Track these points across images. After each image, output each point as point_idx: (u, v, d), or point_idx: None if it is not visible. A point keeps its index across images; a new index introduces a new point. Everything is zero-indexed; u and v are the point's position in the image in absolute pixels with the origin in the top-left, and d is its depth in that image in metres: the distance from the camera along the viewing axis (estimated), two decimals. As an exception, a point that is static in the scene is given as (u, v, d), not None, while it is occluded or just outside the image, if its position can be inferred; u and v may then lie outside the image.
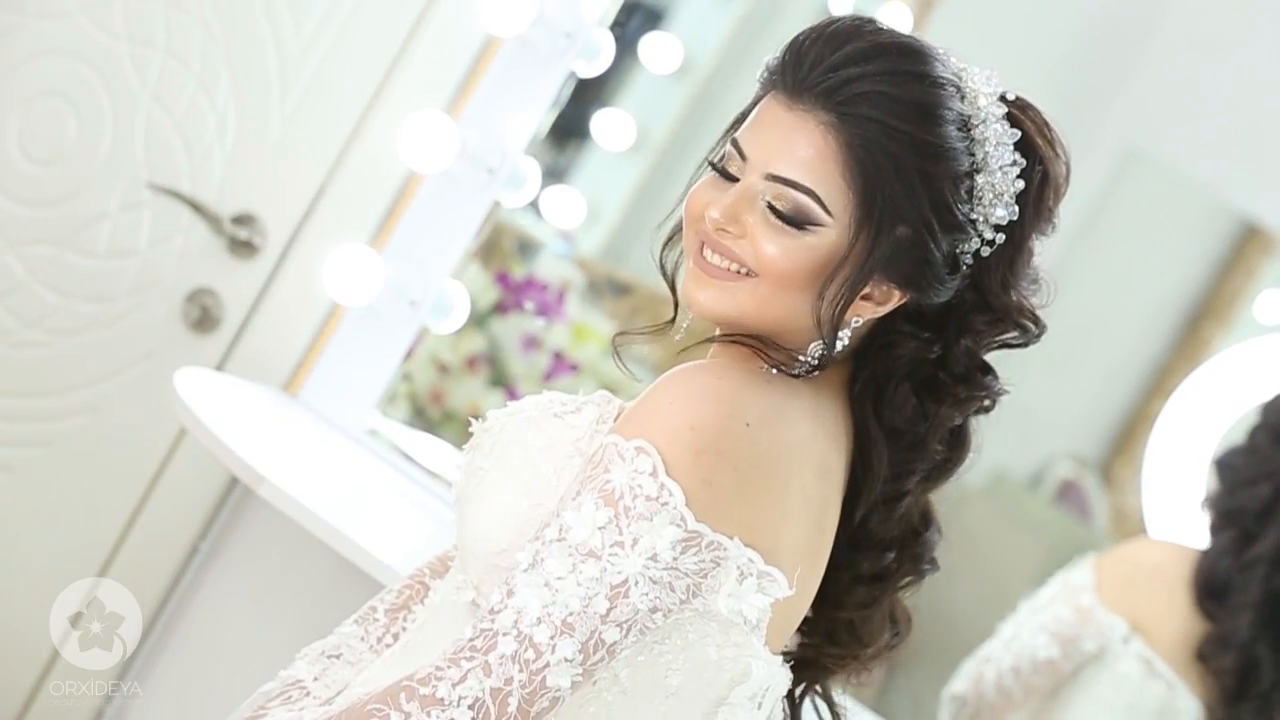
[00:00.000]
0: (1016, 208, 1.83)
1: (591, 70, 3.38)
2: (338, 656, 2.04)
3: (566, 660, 1.67)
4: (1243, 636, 3.15)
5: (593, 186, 4.31)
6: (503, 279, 4.01)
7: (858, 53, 1.79)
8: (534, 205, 3.91)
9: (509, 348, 4.00)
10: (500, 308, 4.01)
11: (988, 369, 1.90)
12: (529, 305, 4.03)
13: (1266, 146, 4.28)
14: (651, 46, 4.14)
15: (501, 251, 4.10)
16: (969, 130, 1.81)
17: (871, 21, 1.83)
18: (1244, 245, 4.43)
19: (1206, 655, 3.18)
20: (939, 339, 1.87)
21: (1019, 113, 1.85)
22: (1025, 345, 1.91)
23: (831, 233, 1.79)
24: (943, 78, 1.81)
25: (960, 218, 1.81)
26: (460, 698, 1.66)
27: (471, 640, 1.68)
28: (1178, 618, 3.22)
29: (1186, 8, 4.37)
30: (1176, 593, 3.23)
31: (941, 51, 1.85)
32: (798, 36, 1.83)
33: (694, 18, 4.41)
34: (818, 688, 2.01)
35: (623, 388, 2.00)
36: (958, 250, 1.83)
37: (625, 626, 1.69)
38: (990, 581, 4.04)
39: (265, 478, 2.85)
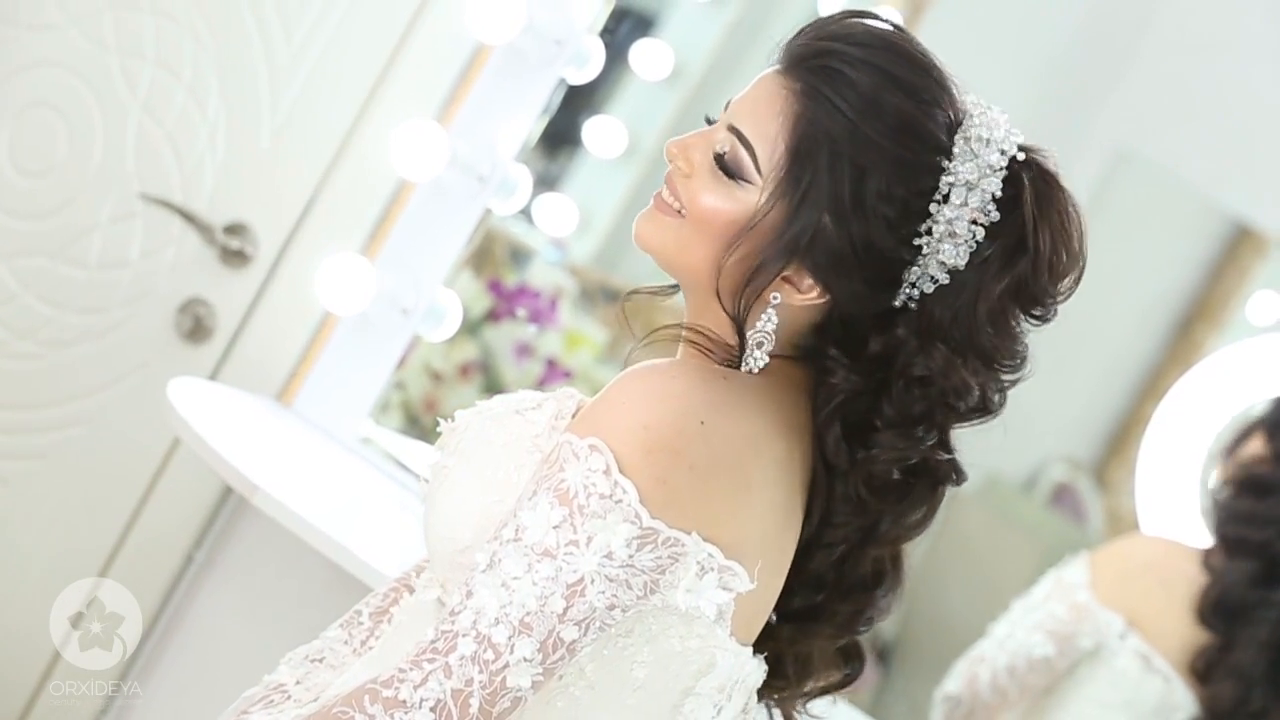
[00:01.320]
0: (966, 258, 1.78)
1: (582, 77, 3.39)
2: (320, 660, 2.04)
3: (525, 660, 1.67)
4: (1246, 669, 3.16)
5: (585, 194, 4.31)
6: (495, 287, 4.02)
7: (848, 35, 1.80)
8: (526, 213, 3.91)
9: (502, 355, 4.00)
10: (493, 315, 4.01)
11: (916, 421, 1.83)
12: (521, 313, 4.03)
13: (1258, 147, 4.29)
14: (642, 53, 4.15)
15: (493, 259, 4.10)
16: (938, 156, 1.78)
17: (888, 23, 1.83)
18: (1236, 246, 4.44)
19: (1203, 675, 3.18)
20: (870, 378, 1.83)
21: (1029, 176, 1.80)
22: (964, 422, 1.85)
23: (757, 195, 1.79)
24: (925, 94, 1.79)
25: (890, 235, 1.78)
26: (422, 699, 1.66)
27: (433, 642, 1.69)
28: (1174, 614, 3.22)
29: (1176, 8, 4.37)
30: (1173, 589, 3.23)
31: (955, 80, 1.83)
32: (820, 17, 1.86)
33: (684, 24, 4.41)
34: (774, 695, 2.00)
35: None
36: (897, 272, 1.80)
37: (583, 625, 1.69)
38: (985, 584, 4.03)
39: (259, 487, 2.85)
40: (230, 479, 2.91)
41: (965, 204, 1.77)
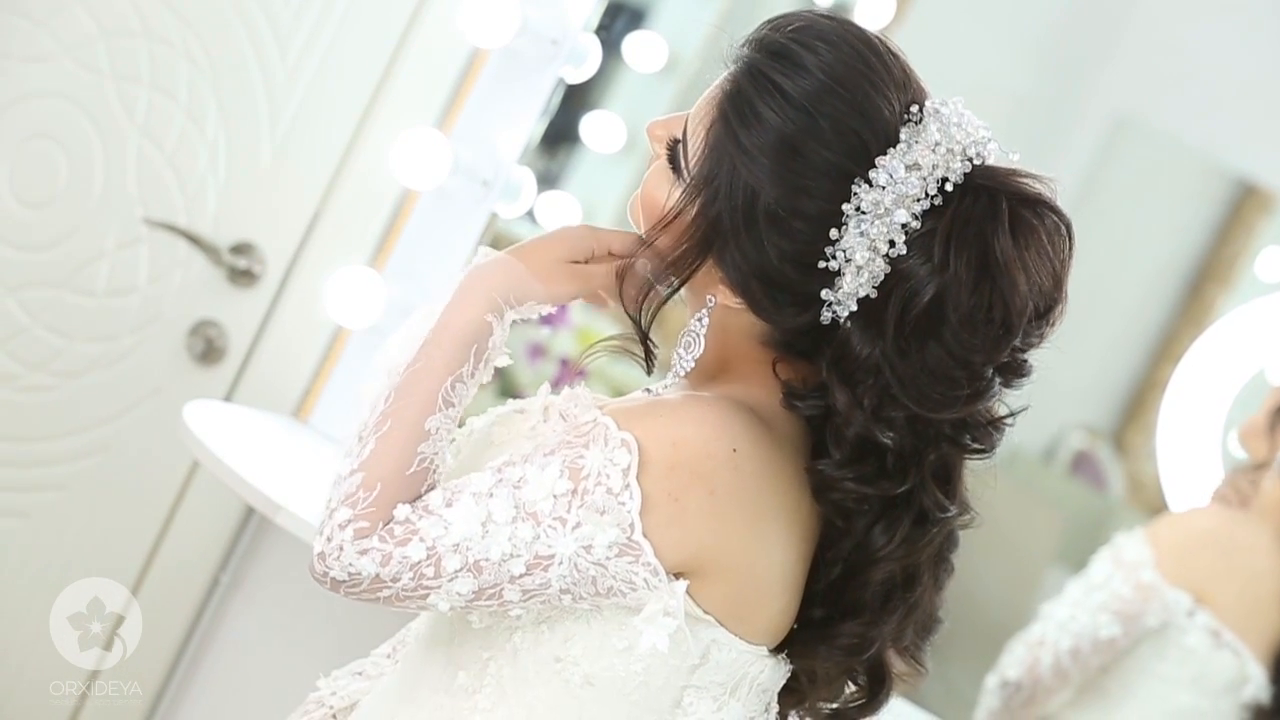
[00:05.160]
0: (871, 290, 1.70)
1: (579, 75, 3.38)
2: (360, 673, 2.05)
3: (458, 594, 1.68)
4: None
5: (587, 190, 4.30)
6: (503, 290, 4.00)
7: (780, 48, 1.75)
8: (529, 213, 3.90)
9: (515, 358, 3.98)
10: (503, 319, 4.00)
11: (854, 456, 1.73)
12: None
13: (1257, 104, 4.28)
14: (636, 46, 4.13)
15: (500, 262, 4.09)
16: (841, 183, 1.71)
17: (841, 42, 1.75)
18: (1241, 205, 4.43)
19: None
20: (820, 401, 1.76)
21: (958, 208, 1.70)
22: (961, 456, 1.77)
23: (678, 190, 1.78)
24: (827, 120, 1.71)
25: (783, 257, 1.72)
26: (348, 565, 1.68)
27: (396, 522, 1.69)
28: (1237, 584, 3.23)
29: (1168, -29, 4.37)
30: (1233, 558, 3.24)
31: (899, 104, 1.73)
32: (788, 12, 1.81)
33: (676, 15, 4.40)
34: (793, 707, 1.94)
35: (631, 390, 1.99)
36: (805, 292, 1.74)
37: (529, 595, 1.69)
38: (1012, 558, 4.03)
39: (282, 506, 2.85)
40: (252, 499, 2.91)
41: (865, 234, 1.70)
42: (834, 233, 1.71)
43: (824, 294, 1.72)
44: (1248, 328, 4.13)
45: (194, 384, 3.42)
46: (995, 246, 1.69)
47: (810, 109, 1.72)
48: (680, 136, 1.79)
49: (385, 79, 3.36)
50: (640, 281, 1.80)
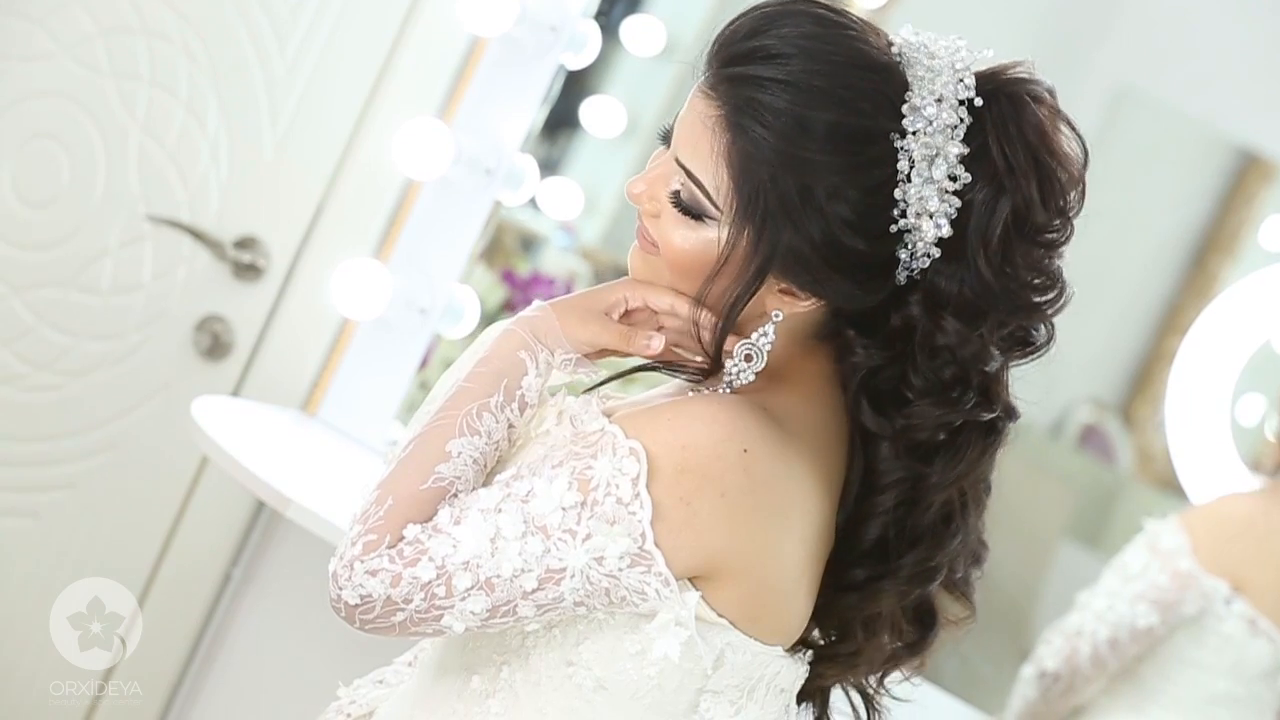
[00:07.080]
0: (949, 228, 1.71)
1: (580, 62, 3.38)
2: (381, 681, 2.05)
3: (472, 613, 1.67)
4: None
5: (588, 175, 4.30)
6: (509, 277, 4.00)
7: (759, 50, 1.73)
8: (532, 200, 3.90)
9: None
10: (509, 306, 4.00)
11: (949, 387, 1.76)
12: (538, 301, 4.01)
13: (1258, 73, 4.27)
14: (633, 30, 4.13)
15: (504, 250, 4.09)
16: (885, 143, 1.71)
17: (798, 12, 1.74)
18: (1244, 174, 4.42)
19: None
20: (893, 349, 1.77)
21: (992, 115, 1.73)
22: (1015, 362, 1.81)
23: (722, 229, 1.74)
24: (853, 92, 1.71)
25: (858, 235, 1.71)
26: (359, 585, 1.67)
27: (406, 542, 1.68)
28: (1271, 569, 3.23)
29: (1167, -59, 4.36)
30: (1267, 543, 3.25)
31: (885, 48, 1.74)
32: (729, 21, 1.78)
33: (674, -3, 4.40)
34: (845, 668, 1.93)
35: (638, 378, 1.98)
36: (884, 262, 1.74)
37: (543, 609, 1.68)
38: (1023, 534, 4.03)
39: (292, 500, 2.85)
40: (262, 494, 2.91)
41: (930, 179, 1.71)
42: (898, 192, 1.71)
43: (899, 253, 1.74)
44: (1253, 298, 4.13)
45: (201, 379, 3.42)
46: (1031, 135, 1.73)
47: (818, 85, 1.71)
48: (680, 183, 1.75)
49: (385, 70, 3.36)
50: (708, 329, 1.77)
